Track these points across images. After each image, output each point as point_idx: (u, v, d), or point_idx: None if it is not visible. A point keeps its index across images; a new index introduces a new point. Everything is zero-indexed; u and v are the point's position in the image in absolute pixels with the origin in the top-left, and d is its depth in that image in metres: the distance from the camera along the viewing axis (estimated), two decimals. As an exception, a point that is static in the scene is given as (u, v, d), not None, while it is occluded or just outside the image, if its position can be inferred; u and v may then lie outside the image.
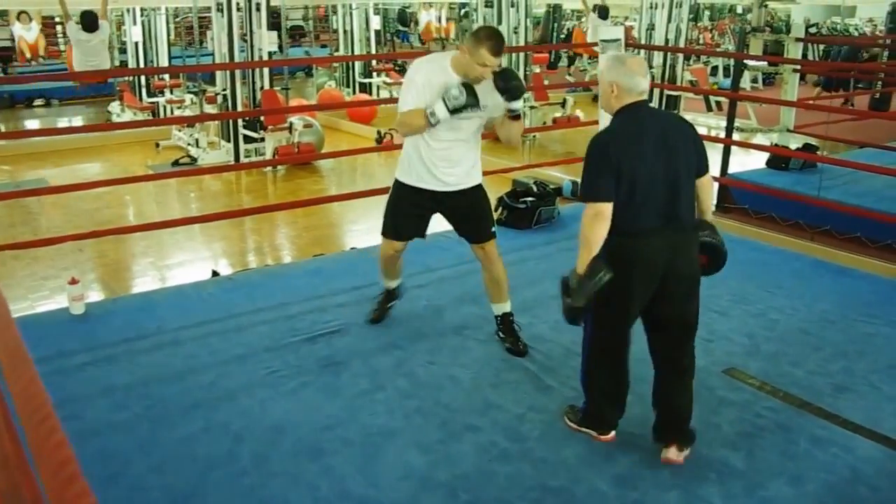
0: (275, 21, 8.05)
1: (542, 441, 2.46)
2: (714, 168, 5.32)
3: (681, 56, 9.60)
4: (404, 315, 3.36)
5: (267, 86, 7.29)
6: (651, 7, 9.06)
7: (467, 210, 2.97)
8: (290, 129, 7.10)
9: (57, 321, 3.27)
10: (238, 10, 7.02)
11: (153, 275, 4.61)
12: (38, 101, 10.40)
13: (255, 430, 2.48)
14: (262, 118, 7.09)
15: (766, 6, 6.43)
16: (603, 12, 10.06)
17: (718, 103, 9.02)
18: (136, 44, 9.04)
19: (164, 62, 8.84)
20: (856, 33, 13.74)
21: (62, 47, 11.80)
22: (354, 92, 10.21)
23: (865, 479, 2.30)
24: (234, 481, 2.24)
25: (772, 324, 3.33)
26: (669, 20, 9.09)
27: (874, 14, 14.67)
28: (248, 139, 7.20)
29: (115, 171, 6.97)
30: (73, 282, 3.31)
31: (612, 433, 2.46)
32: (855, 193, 4.96)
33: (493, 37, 2.71)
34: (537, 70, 9.53)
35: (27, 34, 10.12)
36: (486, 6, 8.42)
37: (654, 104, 9.49)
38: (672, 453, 2.33)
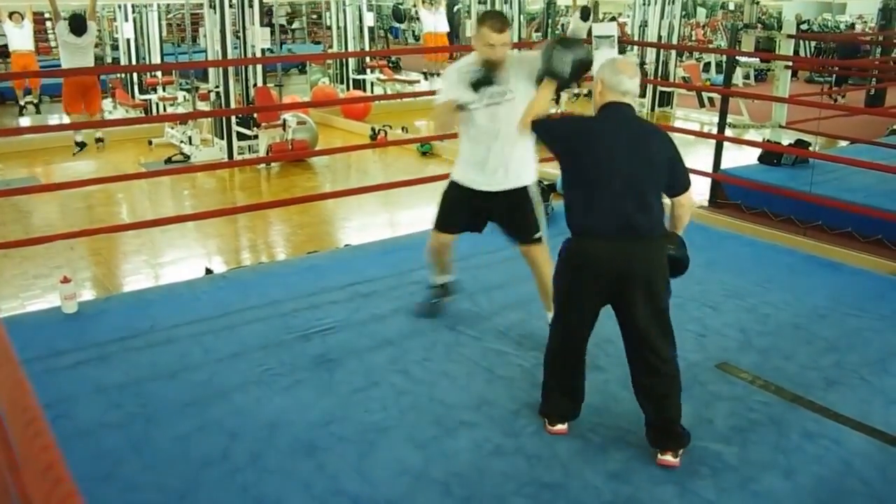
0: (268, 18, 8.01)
1: (537, 437, 2.46)
2: (706, 164, 5.41)
3: (673, 52, 9.64)
4: (398, 312, 3.36)
5: (260, 83, 7.26)
6: (644, 4, 9.06)
7: (510, 212, 2.95)
8: (284, 126, 7.08)
9: (49, 320, 3.26)
10: (231, 6, 6.99)
11: (146, 273, 4.60)
12: (29, 99, 10.33)
13: (249, 428, 2.48)
14: (255, 115, 7.07)
15: (757, 3, 6.47)
16: (585, 14, 10.04)
17: (711, 99, 9.06)
18: (128, 41, 8.99)
19: (157, 59, 8.80)
20: (846, 30, 13.79)
21: (53, 44, 11.73)
22: (348, 89, 10.19)
23: (856, 472, 2.31)
24: (229, 479, 2.24)
25: (764, 318, 3.35)
26: (662, 17, 9.12)
27: (864, 11, 14.74)
28: (241, 136, 7.17)
29: (107, 169, 6.94)
30: (65, 280, 3.29)
31: (564, 426, 2.47)
32: (846, 189, 4.98)
33: (491, 16, 2.78)
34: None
35: (19, 33, 10.03)
36: (478, 3, 8.41)
37: (647, 100, 9.56)
38: (666, 457, 2.32)
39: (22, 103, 10.06)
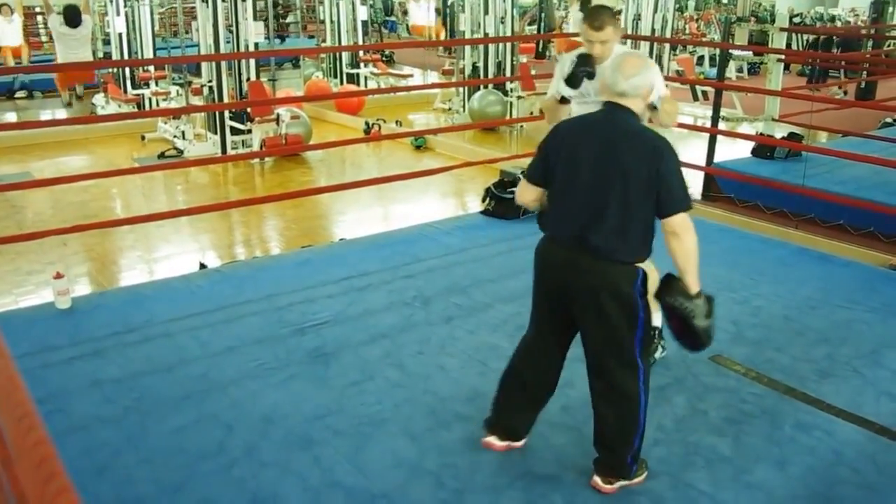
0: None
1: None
2: (700, 157, 5.43)
3: (667, 46, 9.63)
4: (393, 305, 3.37)
5: (253, 77, 7.23)
6: (638, -3, 9.04)
7: None
8: (278, 120, 7.05)
9: (43, 316, 3.25)
10: (223, 0, 6.95)
11: (140, 268, 4.59)
12: (21, 94, 10.26)
13: (244, 422, 2.48)
14: (248, 110, 7.04)
15: (751, -5, 6.46)
16: (585, 6, 10.06)
17: (704, 93, 9.06)
18: (120, 35, 8.92)
19: (149, 53, 8.73)
20: (839, 23, 13.82)
21: (44, 38, 11.64)
22: (342, 83, 10.16)
23: (848, 462, 2.34)
24: (225, 472, 2.24)
25: (756, 311, 3.37)
26: (656, 10, 9.11)
27: (856, 4, 14.77)
28: (234, 131, 7.15)
29: (100, 164, 6.91)
30: (59, 276, 3.28)
31: (488, 437, 2.33)
32: (839, 182, 5.01)
33: (592, 11, 2.71)
34: (524, 60, 9.52)
35: (9, 27, 9.95)
36: (471, -5, 8.40)
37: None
38: (596, 479, 2.18)
39: (17, 95, 9.97)
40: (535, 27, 13.45)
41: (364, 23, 10.14)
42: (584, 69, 2.65)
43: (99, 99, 8.95)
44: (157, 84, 8.68)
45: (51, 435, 0.91)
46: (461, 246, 4.09)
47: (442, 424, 2.49)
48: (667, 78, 9.57)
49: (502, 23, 8.38)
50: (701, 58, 11.50)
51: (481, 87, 8.38)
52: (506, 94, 8.39)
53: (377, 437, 2.42)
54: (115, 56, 8.97)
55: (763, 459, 2.34)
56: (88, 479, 2.16)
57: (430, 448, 2.36)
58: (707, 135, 5.37)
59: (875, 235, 4.53)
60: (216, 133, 7.19)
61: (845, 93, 9.72)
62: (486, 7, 8.33)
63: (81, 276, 4.43)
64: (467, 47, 8.86)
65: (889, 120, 7.37)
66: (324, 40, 10.96)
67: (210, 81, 7.18)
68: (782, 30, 6.42)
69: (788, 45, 8.52)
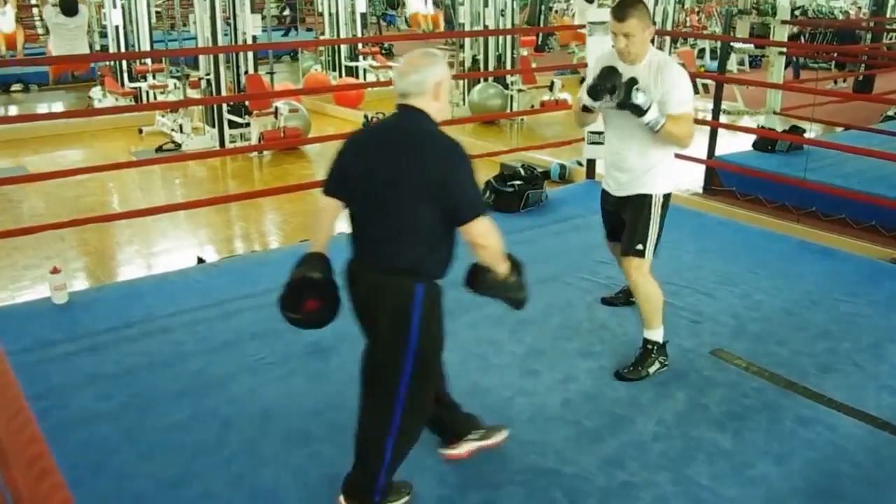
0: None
1: (531, 424, 2.46)
2: (701, 151, 5.40)
3: (668, 39, 9.60)
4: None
5: (251, 70, 7.19)
6: (638, -11, 8.95)
7: (625, 217, 2.76)
8: (276, 113, 7.02)
9: (39, 311, 3.23)
10: (220, -8, 6.90)
11: (138, 262, 4.57)
12: (16, 87, 10.20)
13: (243, 417, 2.47)
14: (246, 103, 7.00)
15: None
16: None
17: (705, 86, 9.03)
18: (117, 27, 8.86)
19: (146, 46, 8.67)
20: (840, 16, 13.76)
21: (39, 30, 11.56)
22: (341, 76, 10.10)
23: (848, 456, 2.33)
24: (223, 468, 2.23)
25: (757, 305, 3.35)
26: (657, 3, 9.06)
27: (858, -4, 14.71)
28: (232, 124, 7.11)
29: (97, 158, 6.86)
30: (55, 271, 3.26)
31: (446, 451, 2.26)
32: (840, 175, 4.99)
33: (616, 2, 2.55)
34: (525, 53, 9.47)
35: (2, 19, 9.88)
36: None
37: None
38: (339, 499, 2.03)
39: (13, 88, 9.91)
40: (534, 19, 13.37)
41: (363, 15, 10.08)
42: (604, 84, 2.46)
43: (96, 92, 8.90)
44: (154, 77, 8.63)
45: (49, 430, 0.89)
46: (461, 239, 4.06)
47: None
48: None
49: (502, 15, 8.33)
50: (702, 50, 11.44)
51: (481, 80, 8.34)
52: (506, 87, 8.35)
53: (377, 432, 2.40)
54: (112, 49, 8.92)
55: (764, 454, 2.33)
56: (86, 474, 2.15)
57: (430, 443, 2.34)
58: (708, 128, 5.34)
59: (877, 229, 4.52)
60: (214, 126, 7.15)
61: (835, 82, 9.68)
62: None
63: (78, 270, 4.41)
64: (467, 40, 8.82)
65: (891, 113, 7.34)
66: (322, 33, 10.90)
67: (208, 74, 7.14)
68: (784, 22, 6.38)
69: (796, 37, 8.45)
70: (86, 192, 5.78)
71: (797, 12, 11.07)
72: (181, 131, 7.37)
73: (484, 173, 5.25)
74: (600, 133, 4.86)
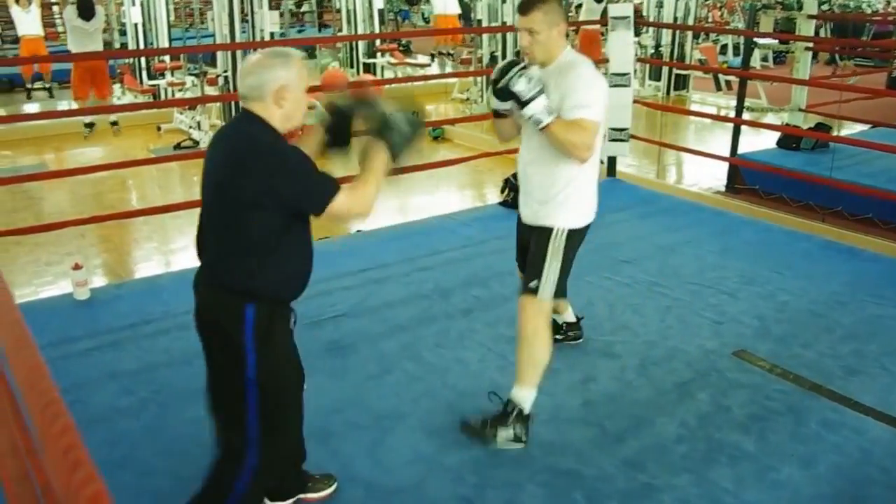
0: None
1: (551, 424, 2.44)
2: (724, 148, 5.33)
3: (690, 34, 9.48)
4: (411, 298, 3.33)
5: (269, 67, 7.20)
6: (659, -17, 8.89)
7: (529, 249, 2.38)
8: (293, 110, 7.01)
9: (61, 307, 3.26)
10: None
11: (157, 259, 4.60)
12: (39, 85, 10.32)
13: (262, 415, 2.46)
14: (264, 100, 7.01)
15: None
16: None
17: (728, 82, 8.91)
18: (136, 25, 8.95)
19: (165, 44, 8.74)
20: (869, 10, 13.49)
21: (60, 28, 11.69)
22: (359, 73, 10.11)
23: (876, 461, 2.28)
24: (242, 466, 2.22)
25: (781, 305, 3.29)
26: (677, -2, 8.96)
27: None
28: (250, 121, 7.12)
29: (116, 155, 6.93)
30: (77, 267, 3.29)
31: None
32: (867, 174, 4.89)
33: None
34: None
35: (27, 18, 9.99)
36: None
37: (662, 83, 9.39)
38: None
39: (29, 86, 10.04)
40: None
41: (381, 11, 10.07)
42: (501, 77, 2.10)
43: (115, 90, 8.99)
44: (172, 74, 8.68)
45: (72, 425, 0.89)
46: (480, 237, 4.04)
47: (461, 418, 2.45)
48: (690, 66, 9.43)
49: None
50: (724, 46, 11.29)
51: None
52: (523, 83, 8.29)
53: (396, 431, 2.39)
54: (131, 46, 9.00)
55: (789, 458, 2.28)
56: (108, 470, 2.12)
57: (449, 443, 2.33)
58: (731, 125, 5.26)
59: (905, 229, 4.42)
60: (232, 123, 7.17)
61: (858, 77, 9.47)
62: (503, -6, 8.23)
63: (99, 266, 4.45)
64: (485, 36, 8.77)
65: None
66: (340, 30, 10.91)
67: (226, 71, 7.16)
68: (810, 17, 6.25)
69: (816, 32, 8.26)
70: (105, 188, 5.83)
71: (823, 6, 10.85)
72: (199, 128, 7.41)
73: (502, 171, 5.24)
74: (624, 130, 4.84)
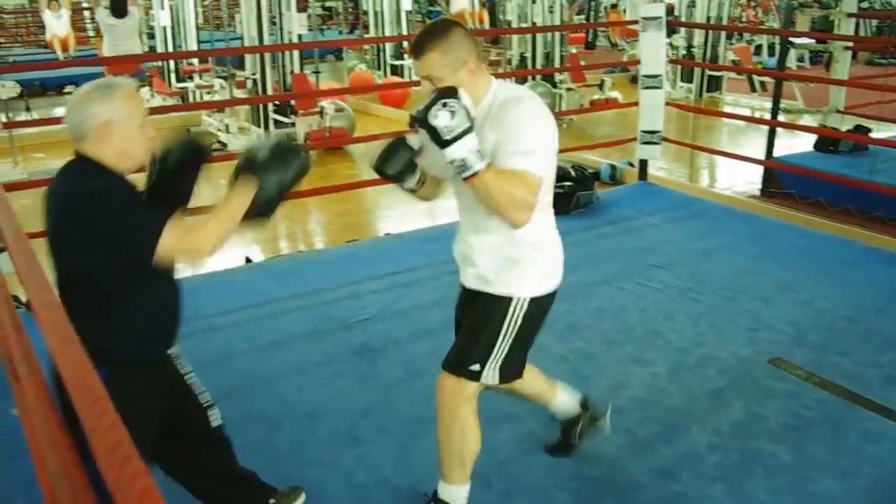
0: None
1: (581, 432, 2.40)
2: (759, 151, 5.21)
3: (723, 34, 9.32)
4: (439, 301, 3.32)
5: (297, 69, 7.26)
6: (691, -17, 8.77)
7: (466, 320, 1.93)
8: (321, 113, 7.07)
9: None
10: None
11: (185, 261, 4.64)
12: (70, 88, 10.55)
13: (290, 418, 2.48)
14: (292, 102, 7.08)
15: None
16: None
17: (763, 83, 8.73)
18: (165, 28, 9.09)
19: (193, 46, 8.86)
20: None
21: (90, 33, 11.94)
22: (386, 75, 10.14)
23: (919, 475, 2.21)
24: (271, 468, 2.22)
25: (819, 313, 3.21)
26: (709, -3, 8.82)
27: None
28: (278, 124, 7.19)
29: (148, 157, 7.03)
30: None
31: None
32: (909, 177, 4.75)
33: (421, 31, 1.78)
34: (573, 51, 9.33)
35: (57, 22, 10.22)
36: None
37: (695, 85, 9.23)
38: None
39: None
40: (583, 16, 13.18)
41: (408, 13, 10.09)
42: (420, 113, 1.64)
43: (144, 93, 9.15)
44: (201, 77, 8.80)
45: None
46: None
47: (490, 424, 2.41)
48: (723, 67, 9.26)
49: (551, 11, 8.22)
50: (759, 47, 11.08)
51: (529, 78, 8.25)
52: (554, 85, 8.22)
53: (424, 436, 2.37)
54: (160, 49, 9.14)
55: (826, 469, 2.22)
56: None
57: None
58: (766, 128, 5.15)
59: (946, 234, 4.27)
60: (260, 126, 7.25)
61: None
62: (532, -5, 8.19)
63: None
64: (514, 37, 8.73)
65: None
66: (367, 31, 10.97)
67: (254, 74, 7.24)
68: (850, 15, 6.07)
69: (856, 31, 8.04)
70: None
71: (863, 5, 10.57)
72: (227, 131, 7.49)
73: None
74: (656, 132, 4.77)
